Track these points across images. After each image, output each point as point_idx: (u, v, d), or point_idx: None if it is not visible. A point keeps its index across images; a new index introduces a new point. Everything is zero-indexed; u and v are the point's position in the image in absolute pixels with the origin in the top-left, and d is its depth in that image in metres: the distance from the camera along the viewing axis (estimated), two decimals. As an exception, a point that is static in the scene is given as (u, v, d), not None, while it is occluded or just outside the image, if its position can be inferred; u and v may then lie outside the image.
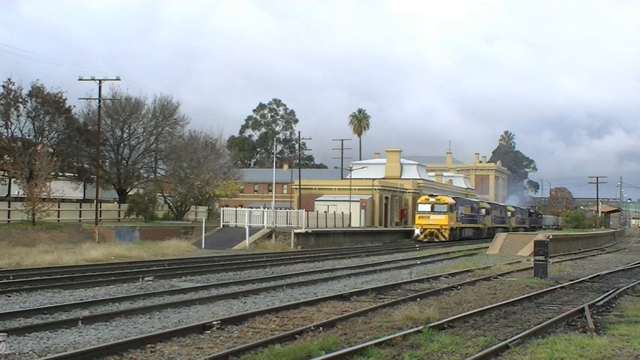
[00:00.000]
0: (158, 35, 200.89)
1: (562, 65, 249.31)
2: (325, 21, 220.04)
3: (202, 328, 12.57)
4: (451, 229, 58.47)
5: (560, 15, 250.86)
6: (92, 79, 45.92)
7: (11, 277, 21.31)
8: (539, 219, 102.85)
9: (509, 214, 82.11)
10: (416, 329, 12.35)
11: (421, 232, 58.31)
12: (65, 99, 48.95)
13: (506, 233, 44.25)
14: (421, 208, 59.69)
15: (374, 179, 74.52)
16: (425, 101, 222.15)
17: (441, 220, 57.81)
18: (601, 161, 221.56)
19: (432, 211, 58.18)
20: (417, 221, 59.63)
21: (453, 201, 60.26)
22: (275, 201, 61.49)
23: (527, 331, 12.54)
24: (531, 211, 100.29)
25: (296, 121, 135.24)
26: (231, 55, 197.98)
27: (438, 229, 57.69)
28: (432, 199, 59.32)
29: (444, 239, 56.46)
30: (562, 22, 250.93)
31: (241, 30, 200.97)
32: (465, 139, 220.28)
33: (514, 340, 11.55)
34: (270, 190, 73.28)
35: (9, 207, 42.48)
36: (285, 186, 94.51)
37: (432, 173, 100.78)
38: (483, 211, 70.33)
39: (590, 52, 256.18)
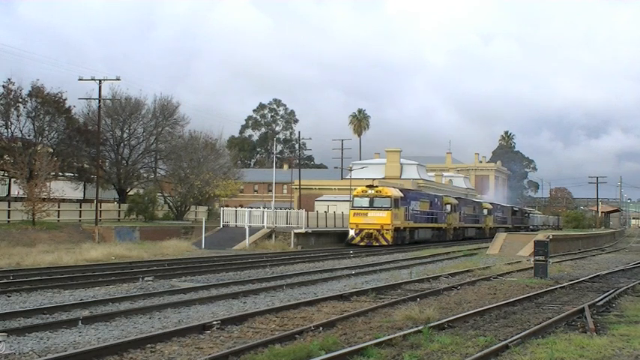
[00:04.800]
0: (156, 35, 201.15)
1: (559, 65, 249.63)
2: (322, 21, 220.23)
3: (202, 328, 12.56)
4: (396, 229, 46.44)
5: (556, 15, 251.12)
6: (92, 79, 46.07)
7: (11, 277, 21.30)
8: (526, 218, 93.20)
9: (485, 211, 71.79)
10: (416, 329, 12.35)
11: (357, 234, 45.95)
12: (65, 99, 49.09)
13: (506, 233, 44.21)
14: (357, 202, 46.79)
15: (374, 179, 74.44)
16: (424, 101, 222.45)
17: (381, 218, 45.36)
18: (600, 161, 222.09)
19: (371, 206, 45.87)
20: (352, 219, 46.73)
21: (399, 194, 47.92)
22: (275, 201, 61.47)
23: (527, 331, 12.53)
24: (515, 209, 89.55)
25: (296, 121, 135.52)
26: (229, 55, 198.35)
27: (377, 230, 45.17)
28: (370, 191, 46.55)
29: (385, 243, 44.74)
30: (558, 22, 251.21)
31: (239, 30, 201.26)
32: (464, 139, 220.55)
33: (514, 340, 11.54)
34: (270, 190, 73.27)
35: (9, 207, 42.50)
36: (285, 186, 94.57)
37: (432, 173, 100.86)
38: (448, 207, 58.81)
39: (587, 52, 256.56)
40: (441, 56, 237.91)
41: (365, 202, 46.32)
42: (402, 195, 48.00)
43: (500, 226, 73.76)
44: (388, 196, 46.04)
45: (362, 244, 44.82)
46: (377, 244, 44.52)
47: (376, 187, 47.67)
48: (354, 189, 59.52)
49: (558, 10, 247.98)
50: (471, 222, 66.49)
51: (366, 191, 46.78)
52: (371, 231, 45.23)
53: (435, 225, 55.11)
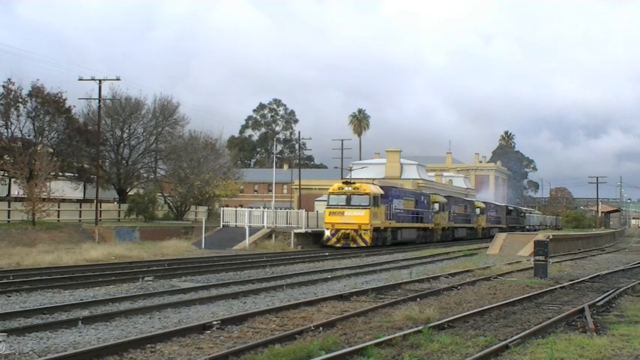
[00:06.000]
0: (156, 35, 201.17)
1: (558, 65, 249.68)
2: (322, 21, 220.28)
3: (202, 328, 12.56)
4: (376, 229, 43.10)
5: (556, 15, 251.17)
6: (92, 79, 46.08)
7: (11, 277, 21.30)
8: (522, 218, 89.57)
9: (477, 211, 68.07)
10: (416, 329, 12.35)
11: (332, 235, 42.45)
12: (65, 99, 49.12)
13: (505, 233, 44.16)
14: (333, 200, 43.16)
15: (374, 179, 74.44)
16: (424, 101, 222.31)
17: (359, 217, 41.85)
18: (599, 161, 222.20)
19: (348, 204, 42.30)
20: (327, 219, 43.07)
21: (379, 191, 44.16)
22: (275, 201, 61.50)
23: (527, 331, 12.53)
24: (510, 208, 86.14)
25: (296, 121, 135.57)
26: (229, 55, 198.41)
27: (355, 230, 41.72)
28: (347, 188, 42.84)
29: (363, 244, 41.43)
30: (558, 22, 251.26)
31: (239, 30, 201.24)
32: (464, 139, 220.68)
33: (514, 340, 11.54)
34: (270, 190, 73.31)
35: (9, 207, 42.52)
36: (285, 186, 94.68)
37: (432, 173, 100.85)
38: (436, 206, 55.59)
39: (586, 52, 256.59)
40: (440, 56, 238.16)
41: (341, 199, 42.86)
42: (383, 192, 44.51)
43: (494, 226, 71.46)
44: (367, 194, 42.52)
45: (338, 245, 41.80)
46: (354, 245, 41.42)
47: (353, 183, 44.17)
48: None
49: (558, 11, 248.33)
50: (462, 222, 63.12)
51: (343, 188, 43.22)
52: (348, 231, 41.87)
53: (421, 225, 51.76)
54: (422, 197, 53.35)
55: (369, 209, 42.05)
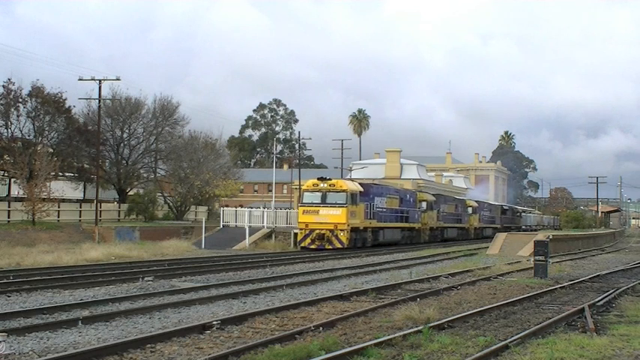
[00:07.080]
0: (156, 35, 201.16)
1: (557, 65, 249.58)
2: (322, 21, 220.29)
3: (202, 328, 12.55)
4: (355, 230, 40.09)
5: (555, 15, 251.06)
6: (92, 79, 46.06)
7: (11, 277, 21.30)
8: (517, 218, 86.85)
9: (469, 210, 65.01)
10: (416, 329, 12.34)
11: (307, 235, 39.70)
12: (65, 99, 49.19)
13: (505, 233, 44.13)
14: (307, 198, 40.07)
15: (374, 179, 74.42)
16: (424, 101, 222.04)
17: (336, 216, 38.85)
18: (599, 161, 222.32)
19: (323, 202, 39.28)
20: (300, 218, 40.12)
21: (358, 188, 41.10)
22: (275, 201, 61.51)
23: (527, 331, 12.53)
24: (505, 207, 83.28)
25: (296, 121, 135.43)
26: (229, 56, 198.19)
27: (330, 231, 38.77)
28: (322, 185, 39.73)
29: (339, 246, 38.56)
30: (556, 22, 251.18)
31: (238, 30, 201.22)
32: (464, 139, 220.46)
33: (514, 340, 11.54)
34: (270, 190, 73.32)
35: (9, 207, 42.56)
36: (285, 186, 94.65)
37: (432, 173, 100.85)
38: (424, 205, 52.34)
39: (585, 52, 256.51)
40: (439, 56, 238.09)
41: (316, 197, 39.73)
42: (362, 189, 41.42)
43: (488, 226, 69.29)
44: (344, 191, 39.37)
45: (312, 247, 39.01)
46: (330, 246, 38.62)
47: (329, 179, 40.82)
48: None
49: (557, 11, 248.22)
50: (452, 221, 60.10)
51: (318, 185, 39.98)
52: (323, 232, 38.97)
53: (406, 225, 48.54)
54: (407, 195, 50.44)
55: (346, 208, 39.00)
